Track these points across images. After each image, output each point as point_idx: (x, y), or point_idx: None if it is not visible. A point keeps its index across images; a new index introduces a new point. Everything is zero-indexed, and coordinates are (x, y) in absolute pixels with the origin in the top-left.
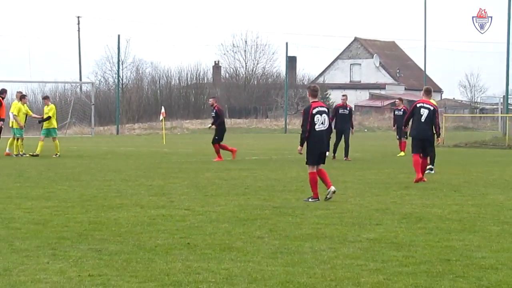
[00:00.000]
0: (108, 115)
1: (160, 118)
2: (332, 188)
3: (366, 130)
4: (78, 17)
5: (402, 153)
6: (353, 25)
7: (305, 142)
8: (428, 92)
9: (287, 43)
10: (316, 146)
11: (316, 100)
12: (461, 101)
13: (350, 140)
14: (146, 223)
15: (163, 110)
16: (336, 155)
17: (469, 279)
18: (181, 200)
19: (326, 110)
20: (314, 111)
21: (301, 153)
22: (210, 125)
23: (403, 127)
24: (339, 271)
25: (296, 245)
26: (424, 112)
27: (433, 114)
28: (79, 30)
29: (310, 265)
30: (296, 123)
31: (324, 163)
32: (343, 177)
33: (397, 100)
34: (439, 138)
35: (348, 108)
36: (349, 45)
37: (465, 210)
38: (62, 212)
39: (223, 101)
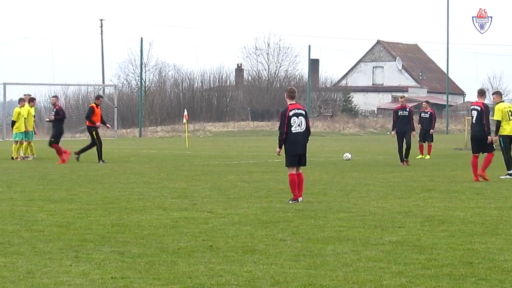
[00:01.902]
0: (131, 118)
1: (183, 121)
2: (300, 199)
3: (388, 132)
4: (101, 19)
5: (427, 156)
6: (376, 28)
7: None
8: (480, 93)
9: (309, 46)
10: (293, 148)
11: (294, 102)
12: None
13: (411, 143)
14: (169, 226)
15: (185, 112)
16: (403, 158)
17: (491, 282)
18: (204, 203)
19: (304, 112)
20: (291, 113)
21: (279, 155)
22: (47, 119)
23: (430, 130)
24: (361, 273)
25: (319, 247)
26: (474, 114)
27: (481, 115)
28: (102, 33)
29: (332, 267)
30: (318, 126)
31: (304, 165)
32: (366, 179)
33: (424, 102)
34: (489, 137)
35: (407, 110)
36: (372, 48)
37: (487, 213)
38: (85, 214)
39: (246, 104)
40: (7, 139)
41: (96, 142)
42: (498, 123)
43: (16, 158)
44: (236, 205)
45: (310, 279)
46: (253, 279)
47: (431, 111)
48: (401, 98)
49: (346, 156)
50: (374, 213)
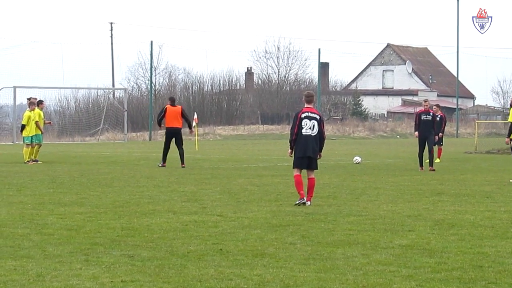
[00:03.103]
0: (141, 121)
1: (193, 124)
2: (308, 203)
3: (398, 136)
4: (111, 23)
5: (437, 160)
6: (386, 31)
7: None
8: None
9: (319, 49)
10: (300, 149)
11: (310, 106)
12: (494, 107)
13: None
14: (179, 229)
15: (195, 116)
16: (423, 163)
17: (501, 286)
18: (214, 206)
19: (318, 117)
20: (303, 115)
21: (291, 156)
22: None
23: (439, 134)
24: (371, 277)
25: (329, 251)
26: None
27: None
28: (112, 36)
29: (342, 271)
30: (328, 129)
31: (315, 168)
32: (375, 183)
33: (434, 106)
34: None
35: (431, 114)
36: (382, 51)
37: (497, 216)
38: (95, 218)
39: (256, 107)
40: (17, 142)
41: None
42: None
43: (28, 161)
44: (246, 208)
45: (320, 283)
46: (263, 283)
47: (441, 114)
48: (425, 102)
49: (356, 159)
50: (384, 217)
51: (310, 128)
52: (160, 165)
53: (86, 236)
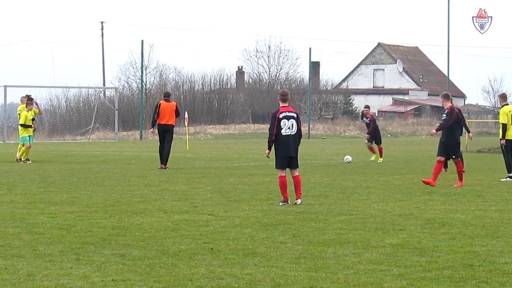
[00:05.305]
0: (132, 120)
1: (185, 124)
2: (299, 201)
3: (389, 135)
4: (102, 22)
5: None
6: (376, 30)
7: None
8: None
9: (310, 49)
10: (282, 150)
11: (286, 105)
12: (485, 106)
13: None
14: (170, 228)
15: (186, 115)
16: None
17: (492, 285)
18: (205, 205)
19: (295, 115)
20: (281, 115)
21: (268, 157)
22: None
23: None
24: (362, 276)
25: (319, 250)
26: None
27: None
28: (102, 35)
29: (333, 270)
30: (319, 129)
31: (296, 167)
32: (366, 182)
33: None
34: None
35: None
36: (373, 50)
37: (488, 215)
38: (86, 217)
39: (247, 106)
40: (7, 141)
41: None
42: (504, 127)
43: (20, 159)
44: (237, 207)
45: (311, 282)
46: (254, 282)
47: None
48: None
49: (347, 158)
50: (375, 216)
51: (289, 128)
52: (160, 167)
53: (77, 235)
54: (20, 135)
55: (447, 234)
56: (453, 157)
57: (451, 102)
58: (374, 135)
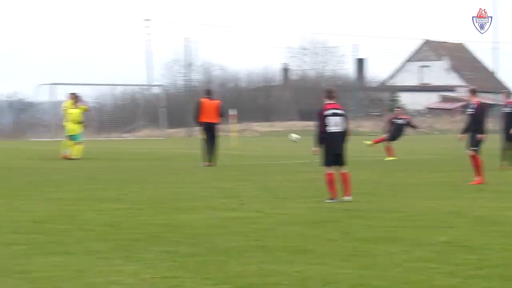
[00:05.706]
0: (178, 118)
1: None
2: (350, 198)
3: (436, 132)
4: (147, 20)
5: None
6: (423, 27)
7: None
8: None
9: (356, 45)
10: (329, 147)
11: (332, 102)
12: None
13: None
14: (219, 225)
15: (234, 112)
16: (504, 163)
17: None
18: (252, 203)
19: (342, 112)
20: (327, 112)
21: (315, 154)
22: None
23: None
24: (412, 274)
25: (369, 247)
26: None
27: None
28: (148, 33)
29: (383, 268)
30: (366, 125)
31: (343, 164)
32: (413, 179)
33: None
34: None
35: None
36: (419, 47)
37: None
38: (134, 214)
39: (293, 104)
40: (56, 139)
41: None
42: None
43: (73, 158)
44: (284, 205)
45: (361, 280)
46: (304, 279)
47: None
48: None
49: (292, 137)
50: (423, 213)
51: (336, 125)
52: (202, 165)
53: (126, 232)
54: (72, 133)
55: (498, 232)
56: (472, 149)
57: (477, 97)
58: (394, 135)
